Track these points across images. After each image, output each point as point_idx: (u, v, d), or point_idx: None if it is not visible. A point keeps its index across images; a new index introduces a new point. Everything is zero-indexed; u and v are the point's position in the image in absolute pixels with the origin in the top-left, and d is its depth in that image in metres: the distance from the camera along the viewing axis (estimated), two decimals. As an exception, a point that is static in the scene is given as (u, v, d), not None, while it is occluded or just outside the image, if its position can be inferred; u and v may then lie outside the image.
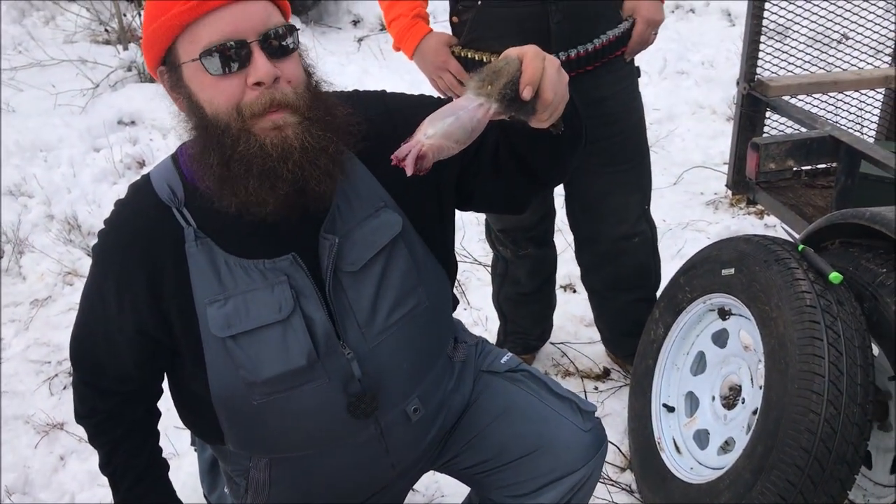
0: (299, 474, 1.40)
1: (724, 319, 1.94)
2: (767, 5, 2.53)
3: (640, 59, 2.16)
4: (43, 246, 3.35)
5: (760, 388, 1.69)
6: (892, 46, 2.85)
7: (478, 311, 2.88)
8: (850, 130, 2.70)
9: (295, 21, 1.20)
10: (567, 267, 2.84)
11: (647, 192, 2.27)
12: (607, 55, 2.01)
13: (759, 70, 2.61)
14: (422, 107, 1.16)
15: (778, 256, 1.71)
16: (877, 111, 2.89)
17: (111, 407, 1.37)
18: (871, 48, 2.83)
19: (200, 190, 1.22)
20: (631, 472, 2.12)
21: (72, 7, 5.47)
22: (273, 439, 1.34)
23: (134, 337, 1.28)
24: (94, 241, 1.33)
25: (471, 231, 3.28)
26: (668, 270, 2.30)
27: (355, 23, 5.78)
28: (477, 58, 1.99)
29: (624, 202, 2.20)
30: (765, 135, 2.70)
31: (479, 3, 1.97)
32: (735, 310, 1.88)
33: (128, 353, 1.31)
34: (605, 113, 2.06)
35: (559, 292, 2.75)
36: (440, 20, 2.35)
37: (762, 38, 2.57)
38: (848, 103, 2.84)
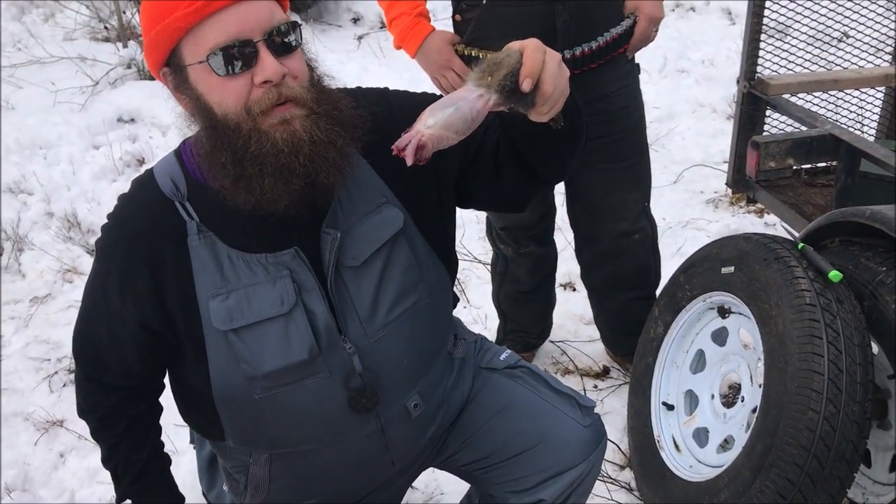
0: (299, 470, 1.40)
1: (723, 318, 1.94)
2: (768, 4, 2.53)
3: (640, 58, 2.17)
4: (42, 243, 3.35)
5: (760, 386, 1.69)
6: (893, 45, 2.85)
7: (477, 309, 2.88)
8: (851, 129, 2.70)
9: (294, 19, 1.21)
10: (567, 265, 2.84)
11: (648, 190, 2.27)
12: (610, 53, 2.01)
13: (759, 68, 2.61)
14: (424, 104, 1.16)
15: (778, 255, 1.71)
16: (877, 110, 2.89)
17: (114, 402, 1.38)
18: (872, 47, 2.83)
19: (203, 184, 1.23)
20: (630, 470, 2.12)
21: (71, 4, 5.47)
22: (273, 434, 1.34)
23: (137, 331, 1.29)
24: (94, 238, 1.33)
25: (470, 229, 3.28)
26: (667, 269, 2.31)
27: (355, 20, 5.77)
28: (481, 56, 1.99)
29: (624, 199, 2.21)
30: (765, 133, 2.70)
31: (485, 1, 1.97)
32: (735, 308, 1.89)
33: (131, 347, 1.31)
34: (605, 110, 2.07)
35: (559, 291, 2.75)
36: (440, 18, 2.35)
37: (762, 37, 2.57)
38: (848, 102, 2.84)
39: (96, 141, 4.11)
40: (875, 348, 1.63)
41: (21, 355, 2.80)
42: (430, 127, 1.04)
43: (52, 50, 4.98)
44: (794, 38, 2.73)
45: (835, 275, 1.62)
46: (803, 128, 2.46)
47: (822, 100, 2.79)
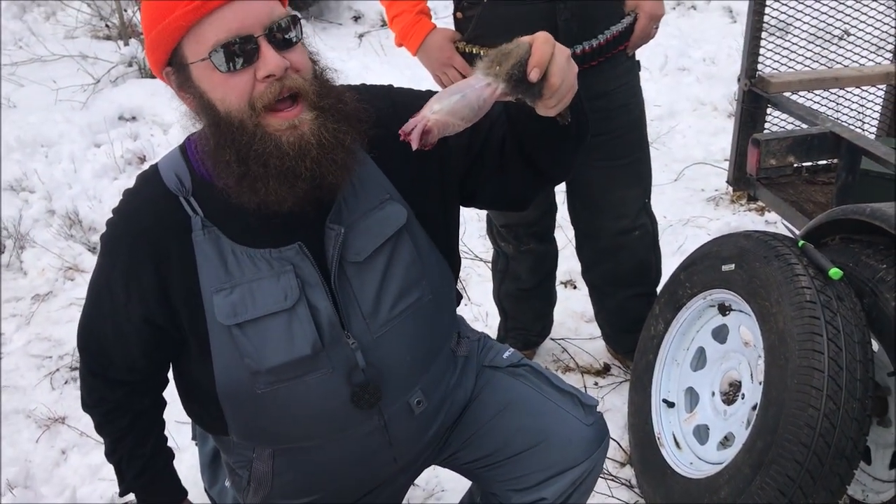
0: (302, 466, 1.40)
1: (724, 315, 1.94)
2: (769, 2, 2.54)
3: (641, 55, 2.17)
4: (44, 241, 3.36)
5: (760, 383, 1.69)
6: (893, 43, 2.85)
7: (478, 306, 2.89)
8: (851, 127, 2.70)
9: (294, 13, 1.21)
10: (568, 263, 2.85)
11: (648, 187, 2.27)
12: (611, 50, 2.02)
13: (760, 66, 2.61)
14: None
15: (778, 252, 1.71)
16: (878, 107, 2.89)
17: (119, 397, 1.38)
18: (872, 45, 2.83)
19: (208, 180, 1.23)
20: (631, 467, 2.13)
21: (72, 3, 5.47)
22: (276, 429, 1.35)
23: (141, 326, 1.29)
24: (95, 236, 1.34)
25: (471, 227, 3.29)
26: (668, 266, 2.31)
27: (356, 18, 5.78)
28: (482, 53, 2.00)
29: (623, 196, 2.21)
30: (766, 131, 2.70)
31: (486, 0, 1.97)
32: (735, 305, 1.89)
33: (135, 342, 1.31)
34: (605, 107, 2.07)
35: (560, 288, 2.75)
36: (441, 16, 2.35)
37: (763, 35, 2.57)
38: (849, 100, 2.84)
39: (97, 139, 4.11)
40: (875, 345, 1.64)
41: (23, 353, 2.81)
42: (437, 112, 1.05)
43: (54, 48, 4.98)
44: (795, 35, 2.73)
45: (835, 272, 1.62)
46: (804, 126, 2.47)
47: (823, 98, 2.79)
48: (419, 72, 2.40)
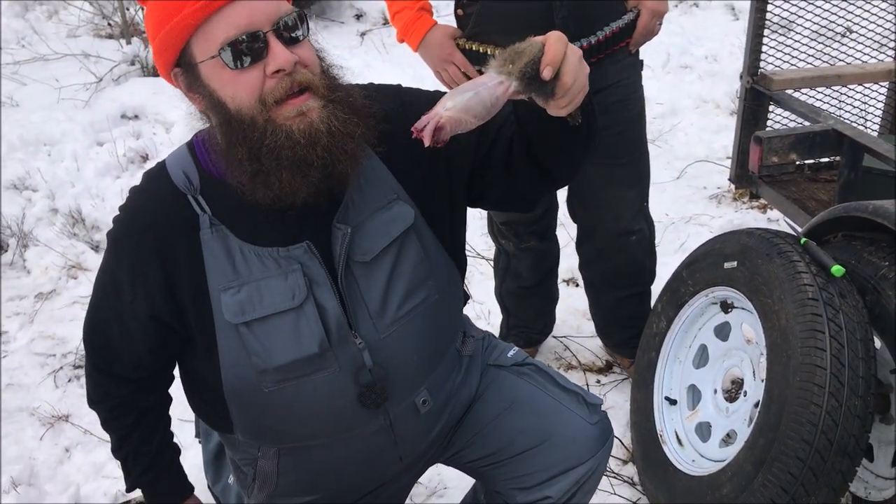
0: (307, 464, 1.41)
1: (726, 312, 1.94)
2: (771, -1, 2.53)
3: (643, 53, 2.16)
4: (47, 240, 3.36)
5: (762, 380, 1.69)
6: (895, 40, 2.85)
7: (480, 304, 2.89)
8: (854, 124, 2.70)
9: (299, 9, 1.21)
10: (569, 261, 2.85)
11: (646, 188, 2.26)
12: (611, 46, 2.01)
13: (762, 64, 2.61)
14: (437, 100, 1.17)
15: (780, 250, 1.71)
16: (880, 105, 2.89)
17: (124, 393, 1.39)
18: (875, 42, 2.82)
19: (217, 178, 1.24)
20: (633, 464, 2.13)
21: (75, 1, 5.48)
22: (282, 428, 1.35)
23: (147, 323, 1.29)
24: (98, 235, 1.34)
25: (473, 226, 3.28)
26: (670, 264, 2.31)
27: (358, 17, 5.78)
28: (482, 50, 2.00)
29: (620, 196, 2.20)
30: (768, 129, 2.69)
31: None
32: (737, 303, 1.89)
33: (141, 339, 1.31)
34: (601, 102, 2.05)
35: (562, 286, 2.76)
36: (443, 14, 2.35)
37: (766, 32, 2.57)
38: (851, 97, 2.84)
39: (100, 137, 4.12)
40: (877, 343, 1.64)
41: (26, 351, 2.82)
42: (450, 109, 1.05)
43: (56, 47, 4.99)
44: (797, 33, 2.73)
45: (837, 269, 1.62)
46: (806, 123, 2.46)
47: (826, 95, 2.79)
48: (421, 70, 2.40)
